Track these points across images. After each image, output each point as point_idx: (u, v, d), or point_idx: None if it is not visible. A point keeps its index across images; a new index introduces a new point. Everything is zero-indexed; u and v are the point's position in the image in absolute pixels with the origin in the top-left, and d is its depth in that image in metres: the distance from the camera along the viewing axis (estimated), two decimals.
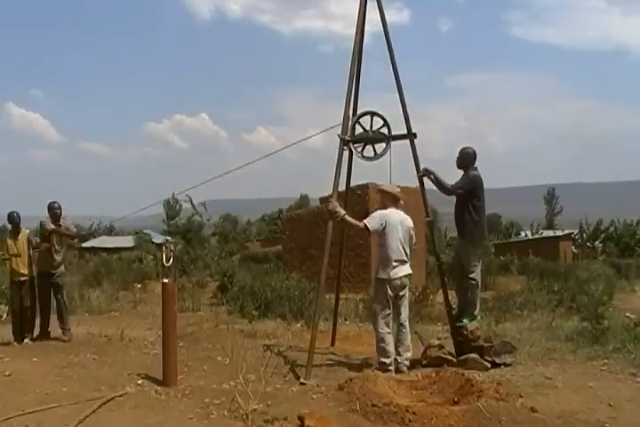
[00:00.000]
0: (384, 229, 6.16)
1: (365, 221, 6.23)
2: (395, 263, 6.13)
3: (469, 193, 6.59)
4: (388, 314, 6.16)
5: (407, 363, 6.21)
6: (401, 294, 6.22)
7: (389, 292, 6.11)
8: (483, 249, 7.12)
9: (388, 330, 6.15)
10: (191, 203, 34.98)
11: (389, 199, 6.41)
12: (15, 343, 7.58)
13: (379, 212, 6.35)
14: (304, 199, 57.83)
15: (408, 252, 6.28)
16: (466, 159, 6.73)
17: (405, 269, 6.21)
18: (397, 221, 6.24)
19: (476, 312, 6.82)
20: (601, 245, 36.40)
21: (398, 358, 6.16)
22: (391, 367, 6.04)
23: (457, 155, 6.78)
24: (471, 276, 6.66)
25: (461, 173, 6.73)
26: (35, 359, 6.32)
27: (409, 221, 6.36)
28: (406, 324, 6.28)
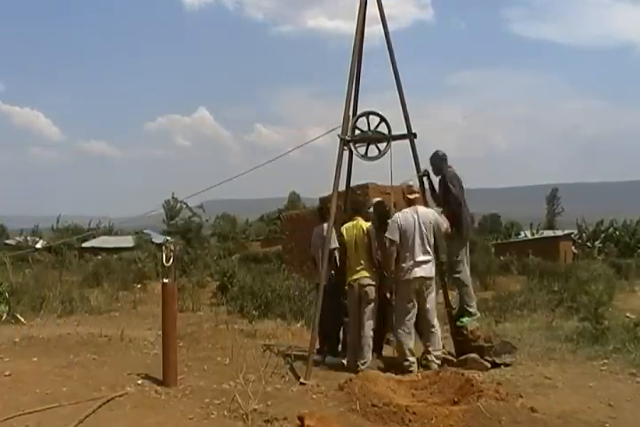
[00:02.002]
0: (400, 235, 6.19)
1: (388, 235, 6.23)
2: (412, 263, 6.16)
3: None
4: (411, 314, 6.21)
5: (438, 361, 6.24)
6: (426, 293, 6.25)
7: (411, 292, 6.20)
8: (470, 247, 7.11)
9: (408, 331, 6.20)
10: (187, 207, 35.08)
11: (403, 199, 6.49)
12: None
13: (391, 219, 6.38)
14: (293, 196, 56.90)
15: (429, 249, 6.24)
16: (437, 164, 6.74)
17: (425, 269, 6.19)
18: (412, 221, 6.23)
19: (474, 310, 6.79)
20: (601, 245, 36.39)
21: (428, 355, 6.24)
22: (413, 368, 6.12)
23: (429, 162, 6.79)
24: (456, 275, 6.66)
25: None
26: (35, 359, 6.31)
27: (429, 216, 6.32)
28: (434, 322, 6.30)
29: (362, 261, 6.32)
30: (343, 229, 6.52)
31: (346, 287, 6.50)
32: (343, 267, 6.57)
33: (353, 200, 6.60)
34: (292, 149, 7.61)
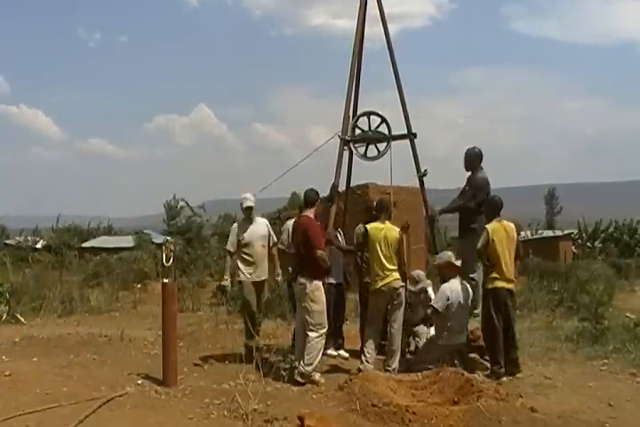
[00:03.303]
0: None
1: None
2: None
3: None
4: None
5: None
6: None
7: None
8: None
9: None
10: (188, 206, 35.04)
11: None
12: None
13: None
14: (294, 197, 56.33)
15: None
16: (473, 160, 6.72)
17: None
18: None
19: (477, 311, 6.82)
20: (600, 245, 36.36)
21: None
22: None
23: (464, 156, 6.76)
24: (472, 275, 6.67)
25: (466, 174, 6.79)
26: (35, 359, 6.32)
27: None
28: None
29: (392, 264, 6.14)
30: (369, 228, 6.24)
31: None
32: (359, 268, 6.62)
33: (381, 200, 6.46)
34: (305, 158, 7.38)
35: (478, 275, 6.73)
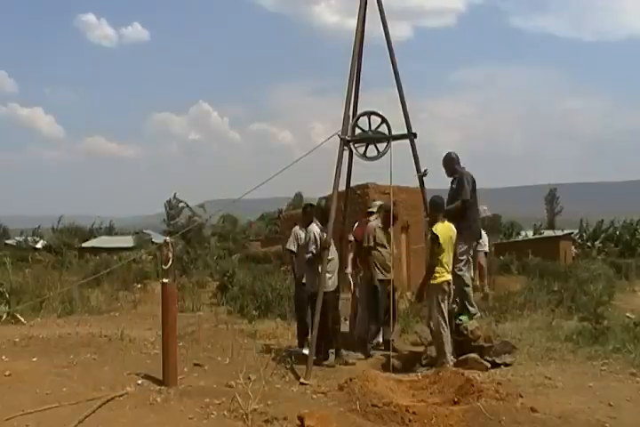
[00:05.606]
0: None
1: None
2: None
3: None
4: None
5: None
6: None
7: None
8: (474, 247, 7.21)
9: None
10: (187, 206, 35.03)
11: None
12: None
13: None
14: (297, 198, 56.33)
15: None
16: (449, 164, 6.89)
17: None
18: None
19: (474, 310, 6.82)
20: (600, 244, 36.36)
21: None
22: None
23: (442, 163, 6.95)
24: (458, 273, 6.68)
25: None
26: (35, 359, 6.32)
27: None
28: None
29: (450, 263, 6.45)
30: (438, 228, 6.37)
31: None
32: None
33: (434, 200, 6.54)
34: (302, 157, 7.39)
35: (464, 272, 6.75)
